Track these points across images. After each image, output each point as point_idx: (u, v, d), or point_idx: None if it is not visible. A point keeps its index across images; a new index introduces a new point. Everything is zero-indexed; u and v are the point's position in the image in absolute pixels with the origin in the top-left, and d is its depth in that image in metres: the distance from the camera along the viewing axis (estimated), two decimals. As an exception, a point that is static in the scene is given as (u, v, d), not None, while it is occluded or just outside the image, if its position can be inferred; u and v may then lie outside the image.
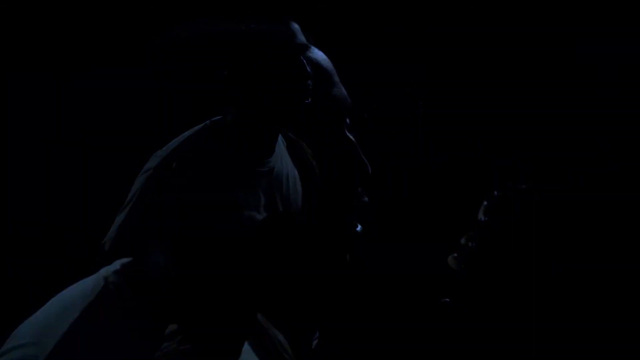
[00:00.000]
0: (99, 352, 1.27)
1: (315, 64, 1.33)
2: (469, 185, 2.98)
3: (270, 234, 1.29)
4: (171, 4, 2.82)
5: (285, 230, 1.31)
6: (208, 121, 1.32)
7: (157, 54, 1.34)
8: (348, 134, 1.36)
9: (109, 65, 2.77)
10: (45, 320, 1.31)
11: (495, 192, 1.46)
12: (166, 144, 1.33)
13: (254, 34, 1.32)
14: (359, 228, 1.36)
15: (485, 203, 1.47)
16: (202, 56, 1.31)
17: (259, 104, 1.30)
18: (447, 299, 1.42)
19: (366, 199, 1.36)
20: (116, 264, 1.38)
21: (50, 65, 2.88)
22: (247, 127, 1.31)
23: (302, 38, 1.34)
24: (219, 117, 1.32)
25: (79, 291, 1.35)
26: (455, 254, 1.45)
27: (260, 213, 1.30)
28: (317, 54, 1.35)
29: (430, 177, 3.09)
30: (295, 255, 1.31)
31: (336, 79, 1.35)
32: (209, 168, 1.30)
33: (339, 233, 1.34)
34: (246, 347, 1.48)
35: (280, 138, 1.33)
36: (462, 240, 1.45)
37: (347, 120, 1.35)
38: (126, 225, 1.34)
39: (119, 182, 1.37)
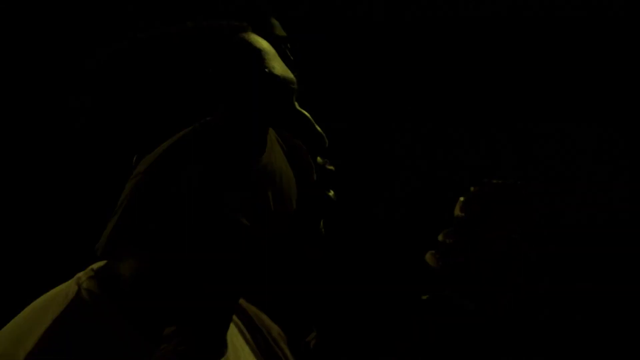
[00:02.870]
0: (72, 358, 1.28)
1: (253, 47, 1.34)
2: (445, 182, 2.98)
3: (261, 233, 1.30)
4: (158, 6, 2.83)
5: (277, 227, 1.31)
6: (197, 123, 1.32)
7: (133, 59, 1.35)
8: (299, 108, 1.37)
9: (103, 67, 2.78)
10: (16, 331, 1.31)
11: (472, 188, 1.46)
12: (155, 148, 1.33)
13: (203, 28, 1.33)
14: (330, 193, 1.36)
15: (461, 199, 1.47)
16: (183, 57, 1.32)
17: (247, 98, 1.31)
18: (427, 296, 1.42)
19: (332, 167, 1.36)
20: (89, 270, 1.38)
21: (49, 64, 2.89)
22: (236, 126, 1.32)
23: (281, 32, 1.35)
24: (207, 119, 1.33)
25: (51, 299, 1.35)
26: (433, 251, 1.45)
27: (252, 211, 1.31)
28: (253, 36, 1.36)
29: (408, 174, 3.09)
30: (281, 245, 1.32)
31: (274, 56, 1.36)
32: (199, 169, 1.30)
33: (311, 201, 1.34)
34: (241, 343, 1.48)
35: (272, 134, 1.33)
36: (440, 237, 1.45)
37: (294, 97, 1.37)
38: (116, 233, 1.34)
39: (111, 184, 1.38)
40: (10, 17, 2.84)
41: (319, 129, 1.32)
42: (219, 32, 1.34)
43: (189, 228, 1.35)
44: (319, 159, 1.34)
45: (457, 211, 1.46)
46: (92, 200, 2.82)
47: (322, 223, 1.34)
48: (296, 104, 1.35)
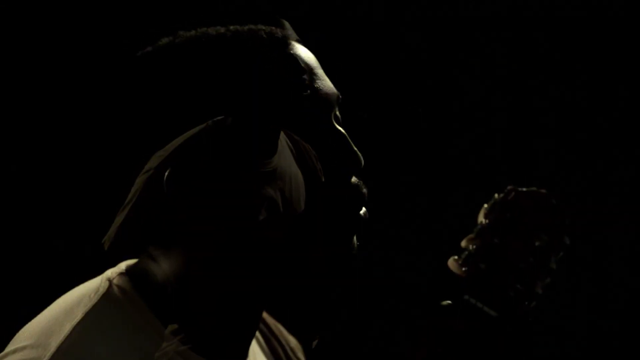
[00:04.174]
0: (102, 354, 1.27)
1: (297, 59, 1.33)
2: (470, 188, 2.99)
3: (268, 234, 1.30)
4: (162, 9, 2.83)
5: (284, 229, 1.31)
6: (210, 121, 1.32)
7: (151, 64, 1.34)
8: (337, 126, 1.36)
9: (110, 64, 2.78)
10: (47, 323, 1.31)
11: (496, 195, 1.47)
12: (167, 144, 1.33)
13: (245, 33, 1.32)
14: (362, 211, 1.36)
15: (485, 206, 1.47)
16: (194, 62, 1.32)
17: (258, 103, 1.30)
18: (449, 302, 1.42)
19: (365, 190, 1.36)
20: (121, 266, 1.38)
21: (51, 64, 2.88)
22: (248, 127, 1.32)
23: (294, 35, 1.35)
24: (220, 118, 1.33)
25: (83, 293, 1.34)
26: (456, 257, 1.45)
27: (261, 214, 1.31)
28: (299, 49, 1.35)
29: (432, 178, 3.09)
30: (299, 254, 1.32)
31: (320, 71, 1.35)
32: (209, 169, 1.31)
33: (343, 220, 1.34)
34: (257, 350, 1.48)
35: (282, 136, 1.33)
36: (463, 243, 1.45)
37: (337, 112, 1.36)
38: (125, 226, 1.34)
39: (119, 183, 1.38)
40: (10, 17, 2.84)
41: (355, 148, 1.32)
42: (261, 40, 1.33)
43: (200, 227, 1.35)
44: (354, 178, 1.34)
45: (480, 218, 1.46)
46: (99, 196, 2.81)
47: (355, 241, 1.33)
48: (334, 120, 1.35)
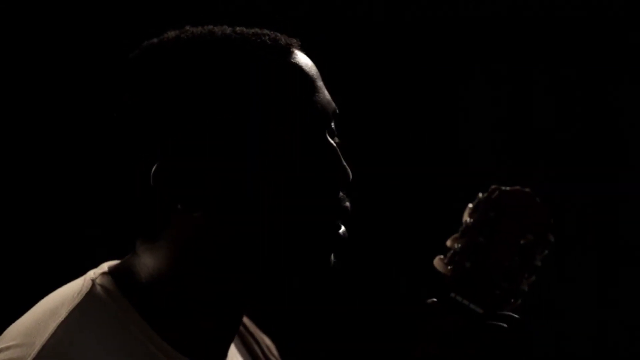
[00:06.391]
0: (86, 353, 1.28)
1: (298, 69, 1.33)
2: (455, 188, 2.98)
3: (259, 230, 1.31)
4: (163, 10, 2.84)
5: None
6: (201, 117, 1.33)
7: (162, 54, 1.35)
8: (330, 140, 1.35)
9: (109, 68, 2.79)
10: (32, 322, 1.32)
11: (480, 194, 1.47)
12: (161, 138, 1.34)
13: (249, 36, 1.32)
14: (342, 230, 1.36)
15: (470, 205, 1.47)
16: (197, 60, 1.32)
17: (252, 106, 1.31)
18: (435, 299, 1.42)
19: (348, 204, 1.35)
20: (104, 266, 1.39)
21: (52, 65, 2.89)
22: (241, 127, 1.32)
23: (289, 40, 1.35)
24: (213, 114, 1.34)
25: (66, 293, 1.35)
26: (442, 256, 1.45)
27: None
28: (300, 58, 1.34)
29: (419, 178, 3.09)
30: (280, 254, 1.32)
31: (319, 83, 1.34)
32: (198, 163, 1.32)
33: (322, 235, 1.34)
34: (234, 351, 1.49)
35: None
36: (449, 242, 1.46)
37: (332, 124, 1.35)
38: (124, 225, 1.35)
39: (118, 182, 1.38)
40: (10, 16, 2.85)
41: (344, 163, 1.32)
42: (263, 45, 1.33)
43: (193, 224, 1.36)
44: (341, 193, 1.34)
45: (465, 217, 1.47)
46: (93, 197, 2.82)
47: (333, 256, 1.34)
48: (327, 134, 1.35)
